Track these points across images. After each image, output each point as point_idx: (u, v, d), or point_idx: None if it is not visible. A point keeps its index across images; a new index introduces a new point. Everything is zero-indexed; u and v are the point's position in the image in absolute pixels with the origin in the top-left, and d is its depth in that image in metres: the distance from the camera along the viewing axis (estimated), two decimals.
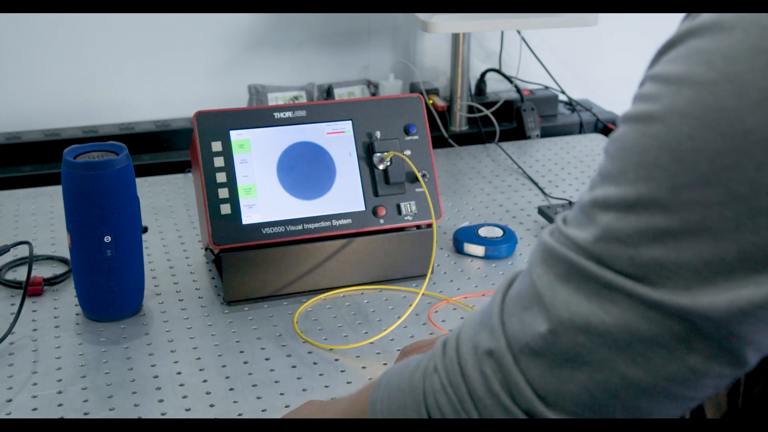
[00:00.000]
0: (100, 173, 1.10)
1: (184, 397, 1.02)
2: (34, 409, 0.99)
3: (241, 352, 1.11)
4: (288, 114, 1.22)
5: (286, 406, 1.00)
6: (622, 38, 2.12)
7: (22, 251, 1.31)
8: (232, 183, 1.17)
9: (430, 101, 1.89)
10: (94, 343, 1.12)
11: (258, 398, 1.02)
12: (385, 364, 1.08)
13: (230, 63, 1.91)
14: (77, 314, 1.19)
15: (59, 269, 1.30)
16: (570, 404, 0.58)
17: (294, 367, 1.08)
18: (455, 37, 1.88)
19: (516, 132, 1.92)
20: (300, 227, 1.19)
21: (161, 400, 1.01)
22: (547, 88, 2.04)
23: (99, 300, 1.15)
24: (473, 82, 1.99)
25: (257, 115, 1.21)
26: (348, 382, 1.05)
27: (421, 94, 1.74)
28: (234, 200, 1.17)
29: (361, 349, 1.12)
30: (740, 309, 0.53)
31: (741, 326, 0.53)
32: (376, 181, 1.23)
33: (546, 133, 1.93)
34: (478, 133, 1.89)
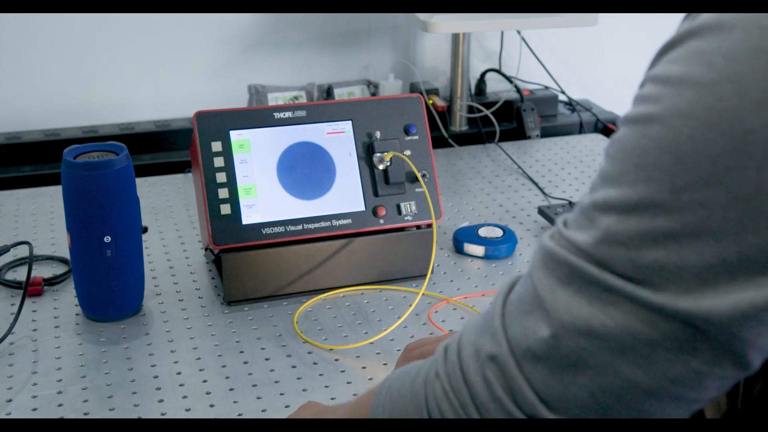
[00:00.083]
0: (100, 173, 1.10)
1: (184, 397, 1.02)
2: (34, 409, 0.99)
3: (241, 352, 1.11)
4: (288, 114, 1.22)
5: (286, 406, 1.00)
6: (622, 38, 2.12)
7: (22, 251, 1.30)
8: (232, 183, 1.17)
9: (430, 101, 1.89)
10: (94, 343, 1.12)
11: (258, 398, 1.02)
12: (385, 364, 1.08)
13: (230, 63, 1.91)
14: (77, 314, 1.18)
15: (59, 269, 1.30)
16: (574, 408, 0.57)
17: (294, 367, 1.08)
18: (455, 37, 1.88)
19: (516, 132, 1.92)
20: (300, 227, 1.19)
21: (161, 400, 1.01)
22: (547, 88, 2.04)
23: (99, 300, 1.15)
24: (473, 82, 1.99)
25: (257, 115, 1.21)
26: (348, 382, 1.05)
27: (421, 94, 1.74)
28: (234, 200, 1.17)
29: (361, 349, 1.12)
30: (742, 312, 0.53)
31: (743, 329, 0.53)
32: (376, 181, 1.23)
33: (546, 133, 1.93)
34: (478, 133, 1.89)
